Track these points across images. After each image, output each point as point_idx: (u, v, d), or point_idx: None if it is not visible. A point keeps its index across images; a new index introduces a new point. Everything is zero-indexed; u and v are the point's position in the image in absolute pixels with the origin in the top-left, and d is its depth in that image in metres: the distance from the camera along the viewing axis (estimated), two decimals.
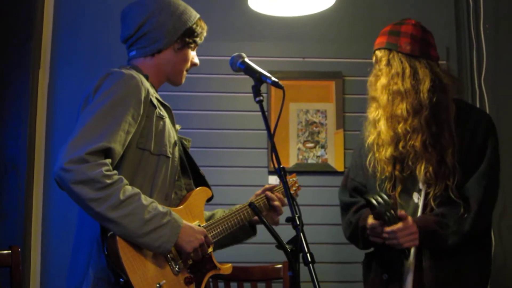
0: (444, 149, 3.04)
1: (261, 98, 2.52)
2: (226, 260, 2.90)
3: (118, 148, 2.52)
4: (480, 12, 4.47)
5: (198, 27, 2.93)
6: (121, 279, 2.46)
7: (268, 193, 3.08)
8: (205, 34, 3.00)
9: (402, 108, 3.06)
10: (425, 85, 3.06)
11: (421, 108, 3.06)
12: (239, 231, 3.06)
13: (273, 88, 4.12)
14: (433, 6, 4.51)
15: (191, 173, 2.98)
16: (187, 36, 2.89)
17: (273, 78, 2.53)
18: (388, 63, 3.13)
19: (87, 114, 2.54)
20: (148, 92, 2.68)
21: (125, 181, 2.51)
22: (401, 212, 2.97)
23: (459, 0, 4.56)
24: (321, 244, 4.14)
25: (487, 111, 4.21)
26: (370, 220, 3.04)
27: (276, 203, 3.06)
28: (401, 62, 3.10)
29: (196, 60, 3.00)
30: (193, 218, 2.79)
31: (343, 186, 3.42)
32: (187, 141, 3.02)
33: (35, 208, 4.16)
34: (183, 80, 2.99)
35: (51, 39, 4.36)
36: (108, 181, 2.43)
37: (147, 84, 2.73)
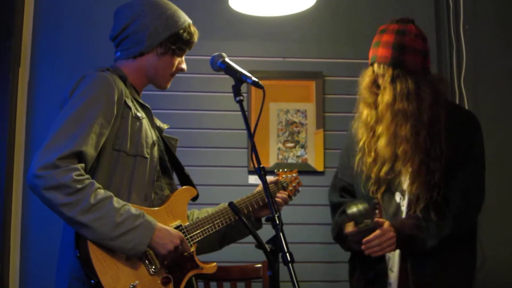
0: (434, 163, 3.01)
1: (241, 97, 2.52)
2: (207, 259, 2.89)
3: (90, 151, 2.53)
4: (460, 13, 4.50)
5: (185, 34, 2.89)
6: (92, 281, 2.48)
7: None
8: (195, 41, 2.96)
9: (405, 129, 3.02)
10: (427, 103, 3.02)
11: (422, 128, 3.02)
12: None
13: (253, 88, 4.10)
14: (413, 7, 4.50)
15: (177, 173, 2.98)
16: (172, 41, 2.86)
17: (253, 78, 2.53)
18: (393, 81, 3.05)
19: (60, 119, 2.56)
20: (122, 93, 2.68)
21: (97, 185, 2.52)
22: (377, 219, 2.98)
23: (439, 1, 4.58)
24: (302, 244, 4.13)
25: None
26: (349, 228, 3.05)
27: (277, 199, 3.11)
28: (407, 81, 3.03)
29: (183, 66, 2.97)
30: (174, 218, 2.78)
31: (333, 186, 3.44)
32: (174, 140, 3.02)
33: (14, 212, 4.11)
34: (168, 85, 2.98)
35: (31, 37, 4.32)
36: (79, 186, 2.45)
37: (121, 85, 2.73)
